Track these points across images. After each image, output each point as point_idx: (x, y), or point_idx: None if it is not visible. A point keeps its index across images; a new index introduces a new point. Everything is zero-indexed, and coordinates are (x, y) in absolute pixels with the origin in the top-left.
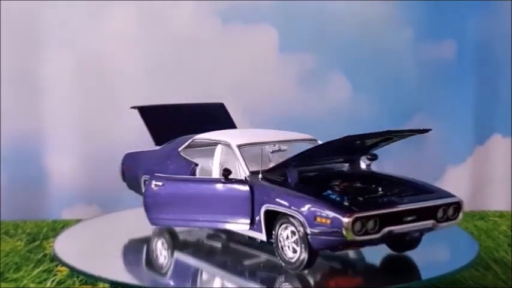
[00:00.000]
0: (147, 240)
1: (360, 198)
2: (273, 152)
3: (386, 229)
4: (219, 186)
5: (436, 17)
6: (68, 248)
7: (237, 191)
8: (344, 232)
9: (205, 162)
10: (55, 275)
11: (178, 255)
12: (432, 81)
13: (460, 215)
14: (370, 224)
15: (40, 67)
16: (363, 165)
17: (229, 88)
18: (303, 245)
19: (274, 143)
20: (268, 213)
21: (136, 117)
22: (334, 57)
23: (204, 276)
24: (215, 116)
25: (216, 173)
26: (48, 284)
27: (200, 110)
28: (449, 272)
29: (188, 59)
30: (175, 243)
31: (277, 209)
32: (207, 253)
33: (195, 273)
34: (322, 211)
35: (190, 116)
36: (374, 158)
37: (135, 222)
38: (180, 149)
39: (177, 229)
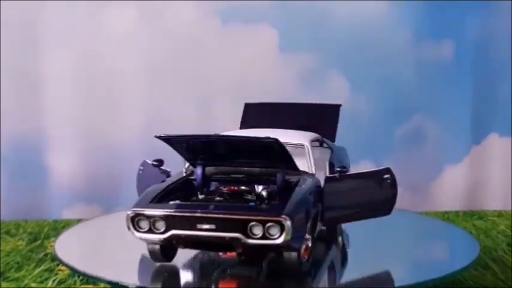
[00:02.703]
0: None
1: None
2: None
3: (173, 232)
4: (156, 173)
5: (434, 17)
6: (68, 248)
7: (159, 180)
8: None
9: None
10: (56, 274)
11: (179, 255)
12: (430, 81)
13: (282, 237)
14: (158, 224)
15: (40, 67)
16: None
17: (229, 88)
18: None
19: None
20: None
21: (136, 117)
22: (333, 57)
23: (206, 276)
24: (319, 118)
25: None
26: (50, 283)
27: (306, 110)
28: (451, 273)
29: (188, 59)
30: None
31: None
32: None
33: (197, 273)
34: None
35: (291, 115)
36: (343, 170)
37: None
38: None
39: None
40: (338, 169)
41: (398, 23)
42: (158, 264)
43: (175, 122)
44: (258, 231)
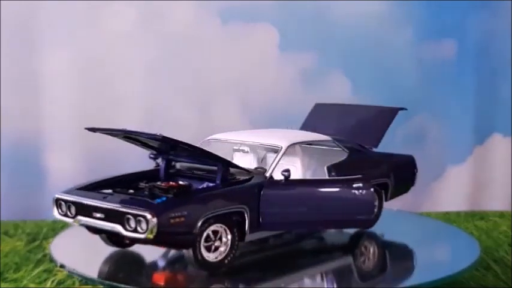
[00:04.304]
0: None
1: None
2: (234, 151)
3: (78, 217)
4: None
5: (436, 16)
6: (65, 249)
7: None
8: None
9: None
10: (55, 275)
11: (177, 256)
12: (432, 81)
13: (145, 233)
14: (71, 209)
15: (40, 67)
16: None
17: (229, 87)
18: None
19: (242, 143)
20: None
21: (136, 117)
22: (334, 57)
23: (205, 277)
24: (372, 120)
25: None
26: (48, 284)
27: (365, 112)
28: (452, 274)
29: (188, 58)
30: None
31: None
32: None
33: (196, 274)
34: None
35: (349, 117)
36: (286, 174)
37: None
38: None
39: None
40: (284, 173)
41: (400, 22)
42: (150, 263)
43: (175, 122)
44: (132, 224)
